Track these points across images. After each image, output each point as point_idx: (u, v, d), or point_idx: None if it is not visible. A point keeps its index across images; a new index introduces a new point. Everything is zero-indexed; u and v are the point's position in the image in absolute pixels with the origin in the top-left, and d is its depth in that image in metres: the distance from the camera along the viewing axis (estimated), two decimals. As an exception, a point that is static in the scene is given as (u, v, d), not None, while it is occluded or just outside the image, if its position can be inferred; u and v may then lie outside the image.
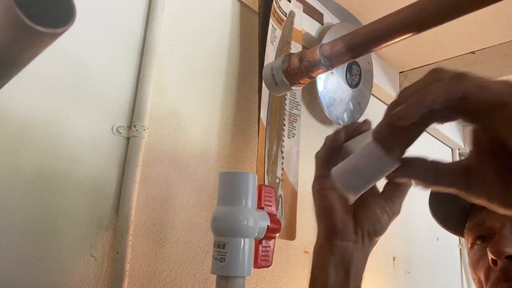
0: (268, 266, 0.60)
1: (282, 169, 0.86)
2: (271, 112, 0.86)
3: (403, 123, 0.30)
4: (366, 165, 0.34)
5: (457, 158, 1.80)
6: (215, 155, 0.80)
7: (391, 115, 0.30)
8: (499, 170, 0.30)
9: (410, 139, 0.32)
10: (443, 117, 0.31)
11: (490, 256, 0.53)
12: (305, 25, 1.05)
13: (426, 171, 0.33)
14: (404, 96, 0.31)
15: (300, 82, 0.60)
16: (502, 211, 0.30)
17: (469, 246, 0.61)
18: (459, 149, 1.81)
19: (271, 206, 0.59)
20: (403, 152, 0.33)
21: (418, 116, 0.29)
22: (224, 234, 0.47)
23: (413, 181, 0.34)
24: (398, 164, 0.33)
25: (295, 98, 0.95)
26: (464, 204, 0.63)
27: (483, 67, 1.34)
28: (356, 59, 1.11)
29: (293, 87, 0.61)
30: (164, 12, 0.74)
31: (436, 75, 0.30)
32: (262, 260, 0.57)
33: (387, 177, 0.35)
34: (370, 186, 0.36)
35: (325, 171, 0.44)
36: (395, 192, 0.44)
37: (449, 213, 0.65)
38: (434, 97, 0.28)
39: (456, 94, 0.28)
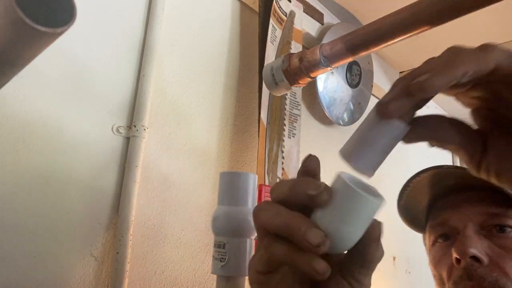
0: (268, 266, 0.60)
1: (283, 169, 0.86)
2: (271, 112, 0.86)
3: (426, 95, 0.27)
4: (377, 137, 0.30)
5: (457, 158, 1.80)
6: (215, 155, 0.80)
7: (412, 85, 0.27)
8: None
9: (421, 105, 0.30)
10: (462, 88, 0.28)
11: (455, 255, 0.54)
12: (305, 25, 1.05)
13: (445, 129, 0.31)
14: (426, 68, 0.28)
15: (300, 82, 0.60)
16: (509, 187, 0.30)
17: (431, 243, 0.63)
18: (459, 149, 1.81)
19: (271, 206, 0.59)
20: (413, 115, 0.31)
21: (445, 88, 0.26)
22: (225, 234, 0.47)
23: (429, 143, 0.31)
24: (409, 128, 0.30)
25: (295, 98, 0.95)
26: (427, 204, 0.65)
27: (483, 67, 1.33)
28: (356, 59, 1.11)
29: (293, 87, 0.61)
30: (164, 12, 0.74)
31: (458, 49, 0.27)
32: (262, 260, 0.57)
33: (404, 141, 0.31)
34: (385, 158, 0.31)
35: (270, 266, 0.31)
36: (361, 269, 0.31)
37: (416, 212, 0.67)
38: (465, 68, 0.26)
39: (489, 65, 0.26)
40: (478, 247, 0.53)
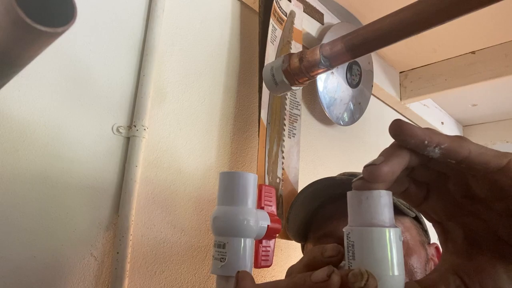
0: (268, 266, 0.60)
1: (283, 169, 0.86)
2: (271, 112, 0.86)
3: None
4: None
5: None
6: (215, 155, 0.80)
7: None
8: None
9: None
10: None
11: None
12: (305, 25, 1.05)
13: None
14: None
15: (300, 82, 0.60)
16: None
17: None
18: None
19: (271, 206, 0.59)
20: None
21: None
22: (225, 234, 0.46)
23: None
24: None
25: (295, 98, 0.95)
26: (310, 213, 0.65)
27: (483, 67, 1.34)
28: (356, 59, 1.11)
29: (293, 87, 0.61)
30: (164, 12, 0.74)
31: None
32: (262, 260, 0.57)
33: None
34: None
35: None
36: None
37: (299, 225, 0.67)
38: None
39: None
40: None
